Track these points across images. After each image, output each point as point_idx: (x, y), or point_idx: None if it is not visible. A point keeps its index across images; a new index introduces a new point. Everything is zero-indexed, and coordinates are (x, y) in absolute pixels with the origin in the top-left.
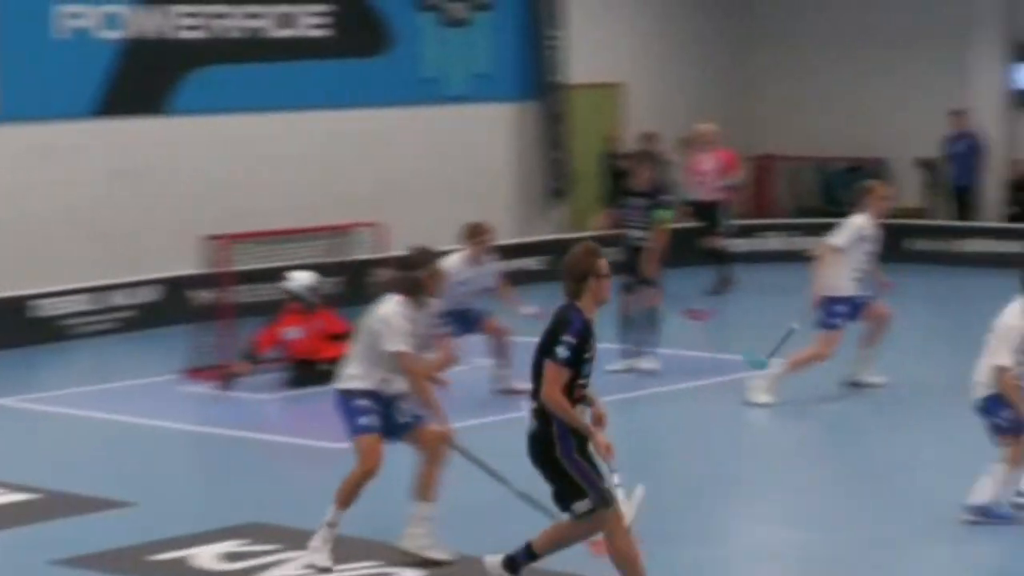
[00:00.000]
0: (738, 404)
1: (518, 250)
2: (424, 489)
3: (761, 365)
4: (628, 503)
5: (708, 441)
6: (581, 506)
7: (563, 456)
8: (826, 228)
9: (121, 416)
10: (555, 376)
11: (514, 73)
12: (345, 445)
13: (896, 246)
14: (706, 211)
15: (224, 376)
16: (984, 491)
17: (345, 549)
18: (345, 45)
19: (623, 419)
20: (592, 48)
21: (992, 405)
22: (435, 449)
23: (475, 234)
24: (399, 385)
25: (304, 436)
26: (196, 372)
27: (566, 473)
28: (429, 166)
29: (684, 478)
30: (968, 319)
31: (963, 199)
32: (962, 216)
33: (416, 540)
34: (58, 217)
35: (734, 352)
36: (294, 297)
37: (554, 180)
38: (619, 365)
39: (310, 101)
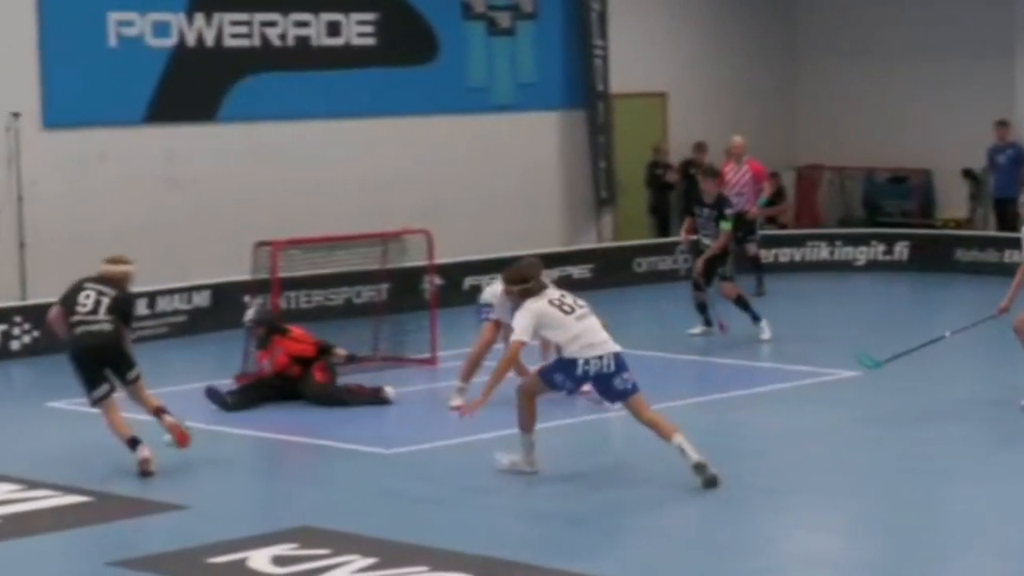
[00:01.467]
0: (781, 412)
1: (564, 259)
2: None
3: (876, 365)
4: None
5: (748, 449)
6: None
7: None
8: (870, 238)
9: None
10: None
11: (559, 82)
12: (393, 450)
13: (944, 257)
14: (740, 221)
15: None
16: None
17: (392, 553)
18: (392, 53)
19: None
20: (636, 57)
21: None
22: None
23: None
24: None
25: (352, 441)
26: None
27: None
28: (475, 174)
29: (725, 486)
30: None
31: (1005, 210)
32: (1003, 227)
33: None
34: (108, 223)
35: (785, 362)
36: (248, 331)
37: (600, 189)
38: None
39: (358, 109)
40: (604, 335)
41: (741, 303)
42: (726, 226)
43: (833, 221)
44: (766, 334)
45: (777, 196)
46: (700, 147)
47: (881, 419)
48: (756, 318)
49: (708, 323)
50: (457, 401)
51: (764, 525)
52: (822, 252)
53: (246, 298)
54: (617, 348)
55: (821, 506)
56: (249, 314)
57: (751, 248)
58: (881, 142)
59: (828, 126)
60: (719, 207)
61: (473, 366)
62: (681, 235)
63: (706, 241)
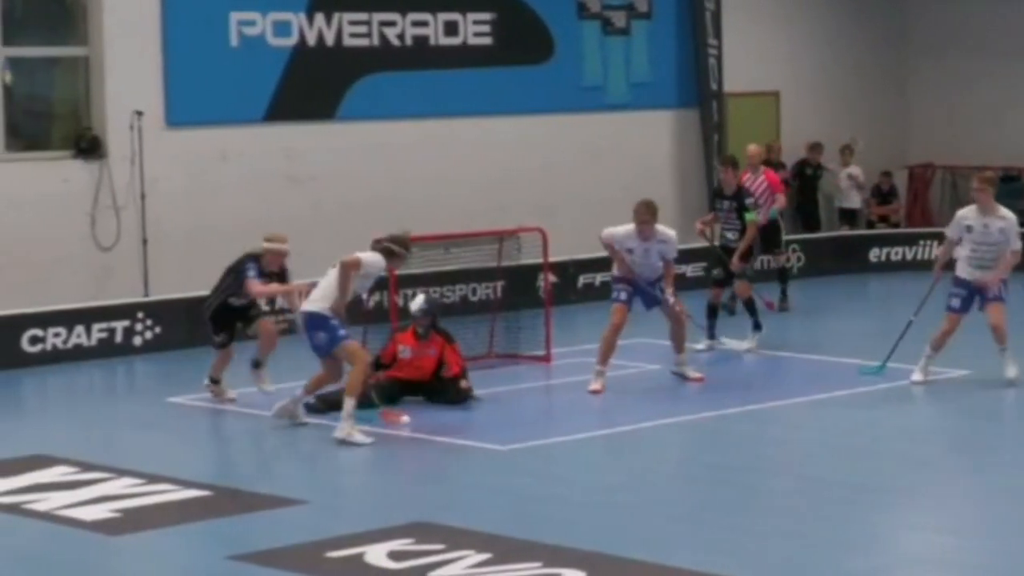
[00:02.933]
0: (890, 411)
1: (677, 256)
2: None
3: (878, 372)
4: None
5: (858, 448)
6: None
7: None
8: None
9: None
10: None
11: (673, 81)
12: (508, 447)
13: None
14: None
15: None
16: None
17: (506, 549)
18: (508, 53)
19: (771, 427)
20: (749, 56)
21: None
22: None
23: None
24: None
25: (467, 437)
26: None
27: None
28: (590, 173)
29: (835, 485)
30: None
31: None
32: None
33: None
34: (229, 220)
35: (897, 361)
36: (413, 319)
37: (713, 187)
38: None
39: (474, 108)
40: (315, 293)
41: (750, 306)
42: (751, 216)
43: (945, 220)
44: (745, 345)
45: (889, 195)
46: (815, 147)
47: (990, 417)
48: (758, 326)
49: (713, 335)
50: (596, 384)
51: (874, 524)
52: (934, 251)
53: (363, 296)
54: (307, 308)
55: (931, 505)
56: (419, 302)
57: (782, 258)
58: (993, 141)
59: (940, 125)
60: (739, 199)
61: (608, 348)
62: (697, 225)
63: (728, 235)
